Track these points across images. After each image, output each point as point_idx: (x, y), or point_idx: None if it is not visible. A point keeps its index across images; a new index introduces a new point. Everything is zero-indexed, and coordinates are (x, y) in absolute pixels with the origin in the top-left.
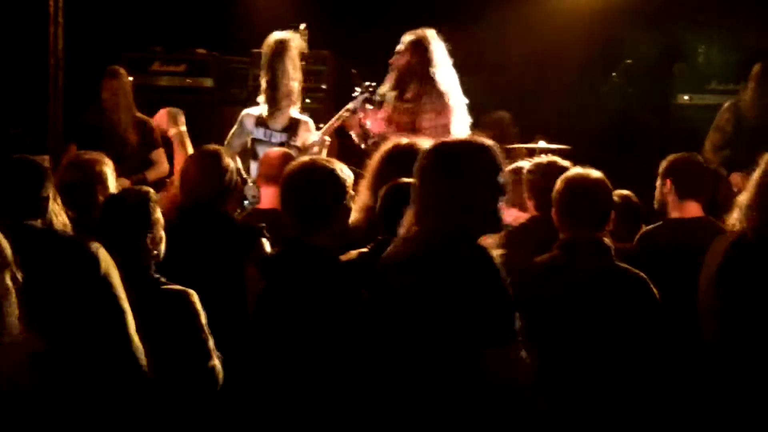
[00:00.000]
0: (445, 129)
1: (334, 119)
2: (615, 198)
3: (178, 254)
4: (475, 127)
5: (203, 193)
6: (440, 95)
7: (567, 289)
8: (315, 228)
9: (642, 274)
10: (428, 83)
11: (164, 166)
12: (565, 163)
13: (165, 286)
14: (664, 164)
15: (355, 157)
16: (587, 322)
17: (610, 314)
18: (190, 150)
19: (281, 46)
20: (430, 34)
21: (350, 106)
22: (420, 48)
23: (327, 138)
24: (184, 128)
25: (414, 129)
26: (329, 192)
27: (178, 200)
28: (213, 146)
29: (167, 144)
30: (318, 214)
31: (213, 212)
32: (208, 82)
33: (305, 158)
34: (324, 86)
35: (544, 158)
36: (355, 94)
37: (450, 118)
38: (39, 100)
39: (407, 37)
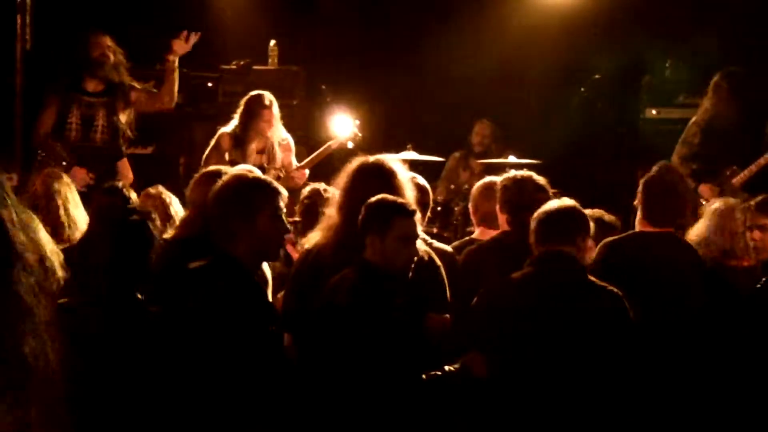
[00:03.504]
0: None
1: (314, 155)
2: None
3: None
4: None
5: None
6: None
7: (540, 304)
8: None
9: (616, 289)
10: None
11: (128, 176)
12: (540, 179)
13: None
14: (641, 182)
15: (326, 174)
16: (560, 336)
17: (583, 329)
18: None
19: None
20: None
21: (333, 144)
22: None
23: (306, 171)
24: None
25: None
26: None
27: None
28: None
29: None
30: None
31: None
32: (177, 98)
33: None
34: (294, 102)
35: (518, 173)
36: (340, 128)
37: None
38: (7, 118)
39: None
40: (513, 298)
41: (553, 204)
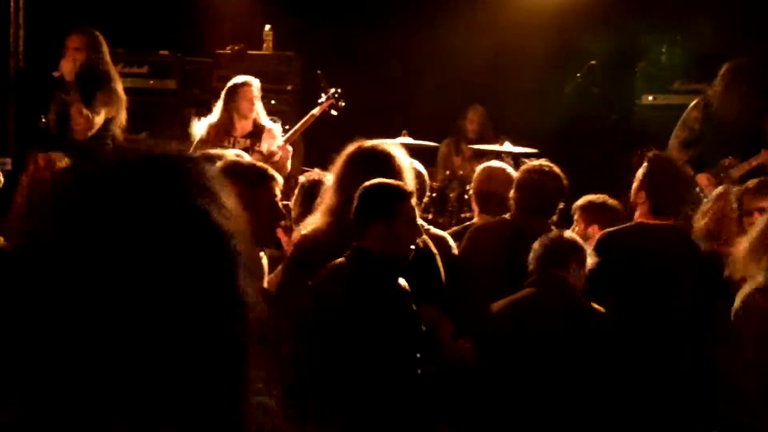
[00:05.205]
0: None
1: (298, 125)
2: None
3: None
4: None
5: None
6: None
7: (536, 325)
8: None
9: (602, 310)
10: None
11: None
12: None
13: None
14: (642, 172)
15: (321, 160)
16: (553, 355)
17: (573, 348)
18: None
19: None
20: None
21: (315, 111)
22: None
23: (289, 147)
24: None
25: None
26: None
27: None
28: None
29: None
30: None
31: None
32: (171, 84)
33: None
34: (289, 87)
35: (537, 163)
36: (321, 99)
37: None
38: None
39: None
40: (513, 319)
41: (551, 234)
